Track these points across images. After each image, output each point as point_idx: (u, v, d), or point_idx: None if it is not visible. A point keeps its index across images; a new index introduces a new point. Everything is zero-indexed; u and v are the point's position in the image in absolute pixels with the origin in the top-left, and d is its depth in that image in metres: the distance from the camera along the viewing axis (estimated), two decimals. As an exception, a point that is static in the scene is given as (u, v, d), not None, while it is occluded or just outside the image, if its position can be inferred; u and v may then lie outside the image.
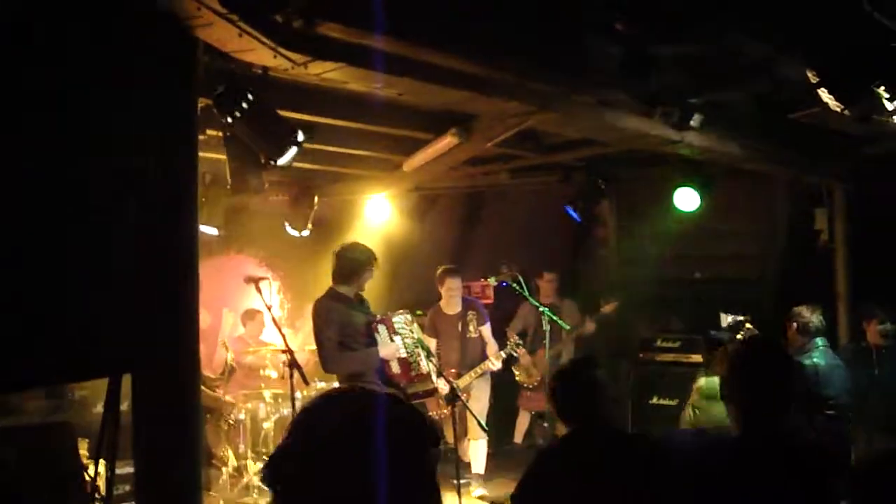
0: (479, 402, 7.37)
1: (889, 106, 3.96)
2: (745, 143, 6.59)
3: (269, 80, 4.26)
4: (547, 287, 8.25)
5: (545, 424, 7.79)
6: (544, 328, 7.06)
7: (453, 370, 7.25)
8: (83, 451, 6.03)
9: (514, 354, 7.60)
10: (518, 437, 8.42)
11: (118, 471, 3.22)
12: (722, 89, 5.33)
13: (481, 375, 7.36)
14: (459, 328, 7.47)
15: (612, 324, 8.22)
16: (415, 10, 3.85)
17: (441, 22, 3.99)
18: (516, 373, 8.19)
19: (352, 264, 5.87)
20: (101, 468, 3.17)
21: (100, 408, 5.60)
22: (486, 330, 7.55)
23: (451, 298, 7.53)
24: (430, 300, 7.70)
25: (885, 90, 3.84)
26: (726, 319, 6.70)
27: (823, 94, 3.80)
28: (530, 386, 8.19)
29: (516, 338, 7.55)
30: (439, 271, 7.57)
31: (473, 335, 7.48)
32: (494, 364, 7.37)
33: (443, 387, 6.22)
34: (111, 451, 3.01)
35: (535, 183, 8.54)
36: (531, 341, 8.04)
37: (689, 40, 4.23)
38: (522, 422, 8.42)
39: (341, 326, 5.72)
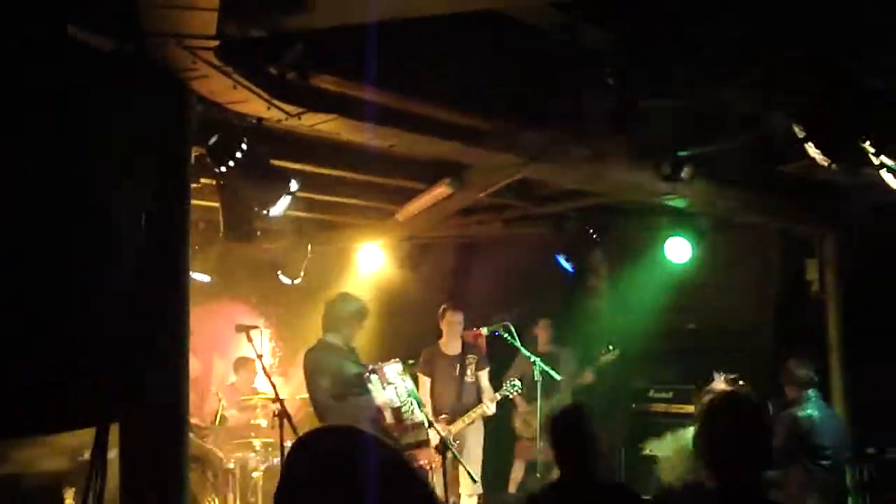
0: (473, 453, 7.17)
1: (875, 160, 4.02)
2: (737, 195, 6.65)
3: (262, 130, 4.31)
4: (543, 334, 8.19)
5: (537, 475, 7.71)
6: (536, 378, 6.99)
7: (446, 415, 7.07)
8: (69, 499, 5.96)
9: (510, 396, 7.30)
10: (512, 487, 8.30)
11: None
12: (712, 142, 5.39)
13: (473, 422, 7.15)
14: (457, 370, 7.22)
15: (607, 373, 8.19)
16: (407, 63, 3.91)
17: (433, 75, 4.05)
18: (515, 423, 8.08)
19: (342, 315, 5.88)
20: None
21: (86, 455, 5.53)
22: (485, 376, 7.35)
23: (452, 335, 7.28)
24: (422, 349, 7.60)
25: (870, 144, 3.89)
26: (719, 378, 6.69)
27: (810, 148, 3.85)
28: (529, 436, 8.01)
29: (513, 379, 7.29)
30: (442, 307, 7.39)
31: (470, 379, 7.23)
32: (489, 409, 7.09)
33: (434, 437, 6.14)
34: (98, 501, 2.97)
35: (528, 233, 8.57)
36: (528, 391, 7.95)
37: (679, 94, 4.29)
38: (518, 471, 8.28)
39: (333, 377, 5.71)
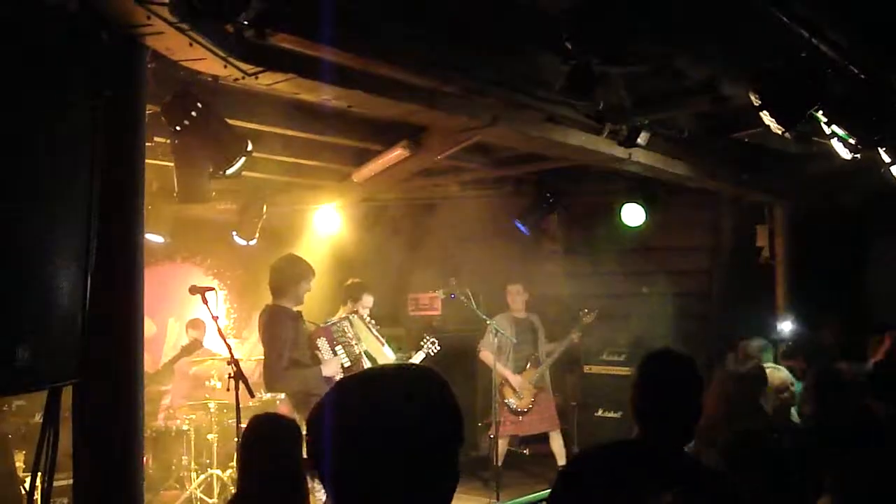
0: None
1: (826, 129, 4.10)
2: (690, 161, 6.73)
3: (218, 89, 4.24)
4: (517, 300, 7.95)
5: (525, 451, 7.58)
6: (492, 340, 6.97)
7: None
8: (19, 462, 5.90)
9: (431, 353, 6.89)
10: (499, 460, 7.52)
11: (55, 483, 3.15)
12: (668, 109, 5.43)
13: None
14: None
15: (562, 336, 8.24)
16: (365, 24, 3.87)
17: (391, 35, 4.01)
18: (508, 398, 7.74)
19: (291, 277, 5.75)
20: (39, 481, 3.10)
21: (38, 418, 5.47)
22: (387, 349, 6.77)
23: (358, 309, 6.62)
24: (378, 312, 7.46)
25: (822, 114, 3.96)
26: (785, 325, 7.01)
27: (765, 116, 3.90)
28: (522, 410, 7.75)
29: (429, 337, 6.95)
30: (355, 283, 6.78)
31: None
32: None
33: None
34: (50, 465, 2.95)
35: (485, 195, 8.59)
36: (515, 360, 7.76)
37: (636, 61, 4.31)
38: (503, 446, 7.71)
39: (293, 342, 5.66)
